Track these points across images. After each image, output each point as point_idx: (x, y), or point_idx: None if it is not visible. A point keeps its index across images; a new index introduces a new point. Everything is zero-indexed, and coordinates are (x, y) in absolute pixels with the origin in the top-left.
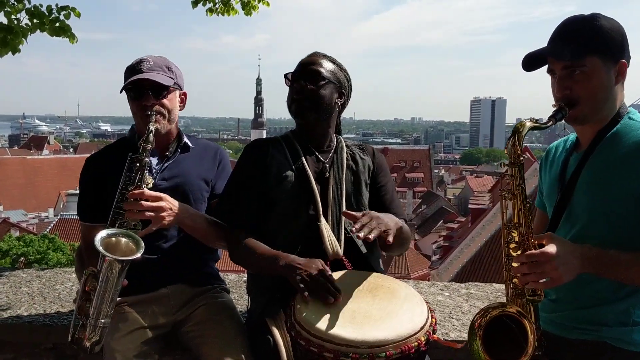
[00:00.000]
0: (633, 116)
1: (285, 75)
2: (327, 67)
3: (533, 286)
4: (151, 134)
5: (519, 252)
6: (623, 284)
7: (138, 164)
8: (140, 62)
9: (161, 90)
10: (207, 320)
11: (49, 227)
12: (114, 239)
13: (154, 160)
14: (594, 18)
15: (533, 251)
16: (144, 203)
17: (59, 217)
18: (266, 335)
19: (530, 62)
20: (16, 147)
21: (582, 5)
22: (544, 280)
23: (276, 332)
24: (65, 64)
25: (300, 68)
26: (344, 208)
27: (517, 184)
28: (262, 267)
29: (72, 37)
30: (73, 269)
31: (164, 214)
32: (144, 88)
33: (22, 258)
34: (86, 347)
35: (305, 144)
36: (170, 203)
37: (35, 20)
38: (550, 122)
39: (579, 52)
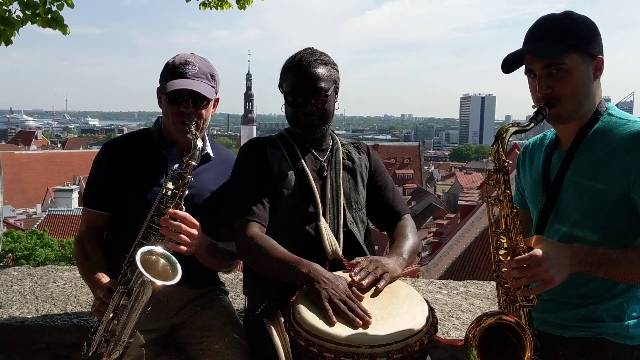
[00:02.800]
0: (612, 112)
1: (283, 93)
2: (324, 75)
3: (526, 294)
4: (197, 152)
5: (508, 257)
6: (616, 282)
7: (181, 181)
8: (185, 64)
9: (202, 100)
10: (206, 327)
11: (37, 223)
12: (154, 257)
13: (174, 164)
14: (568, 15)
15: (522, 255)
16: (183, 226)
17: (47, 213)
18: (264, 336)
19: (509, 64)
20: (3, 142)
21: (572, 2)
22: (536, 284)
23: (274, 333)
24: (53, 58)
25: (301, 86)
26: (341, 206)
27: (503, 190)
28: (276, 270)
29: (64, 28)
30: (65, 267)
31: (193, 241)
32: (184, 94)
33: (10, 254)
34: None
35: (302, 143)
36: (200, 233)
37: (27, 12)
38: (532, 124)
39: (559, 50)
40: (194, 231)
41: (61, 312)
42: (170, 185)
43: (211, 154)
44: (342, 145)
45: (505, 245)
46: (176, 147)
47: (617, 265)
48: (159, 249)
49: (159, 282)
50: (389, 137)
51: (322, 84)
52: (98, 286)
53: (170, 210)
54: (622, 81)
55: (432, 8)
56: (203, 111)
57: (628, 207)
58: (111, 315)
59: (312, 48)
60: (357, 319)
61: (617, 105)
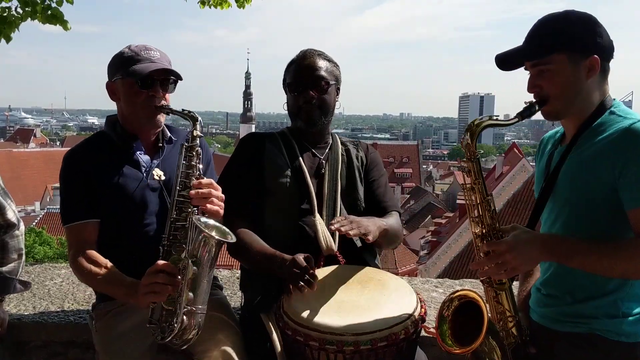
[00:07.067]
0: (615, 110)
1: (286, 85)
2: (326, 68)
3: (496, 277)
4: (197, 122)
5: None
6: (609, 278)
7: (194, 153)
8: (146, 49)
9: (168, 84)
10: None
11: (36, 221)
12: (205, 227)
13: (143, 157)
14: (564, 16)
15: (494, 241)
16: (212, 191)
17: (45, 211)
18: (261, 331)
19: (504, 62)
20: (2, 140)
21: (572, 1)
22: (504, 270)
23: (271, 327)
24: (52, 56)
25: (303, 75)
26: (338, 203)
27: (475, 178)
28: (258, 263)
29: (65, 24)
30: (62, 265)
31: (222, 203)
32: (153, 79)
33: None
34: (189, 339)
35: (301, 140)
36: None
37: (27, 9)
38: (516, 119)
39: (543, 51)
40: (221, 194)
41: (58, 310)
42: (183, 160)
43: (172, 137)
44: (342, 143)
45: (483, 231)
46: (140, 140)
47: (588, 257)
48: (210, 220)
49: (228, 239)
50: (387, 136)
51: (323, 74)
52: (127, 280)
53: (195, 181)
54: (621, 81)
55: (432, 8)
56: (167, 96)
57: (616, 202)
58: (187, 288)
59: (316, 49)
60: (303, 286)
61: None
